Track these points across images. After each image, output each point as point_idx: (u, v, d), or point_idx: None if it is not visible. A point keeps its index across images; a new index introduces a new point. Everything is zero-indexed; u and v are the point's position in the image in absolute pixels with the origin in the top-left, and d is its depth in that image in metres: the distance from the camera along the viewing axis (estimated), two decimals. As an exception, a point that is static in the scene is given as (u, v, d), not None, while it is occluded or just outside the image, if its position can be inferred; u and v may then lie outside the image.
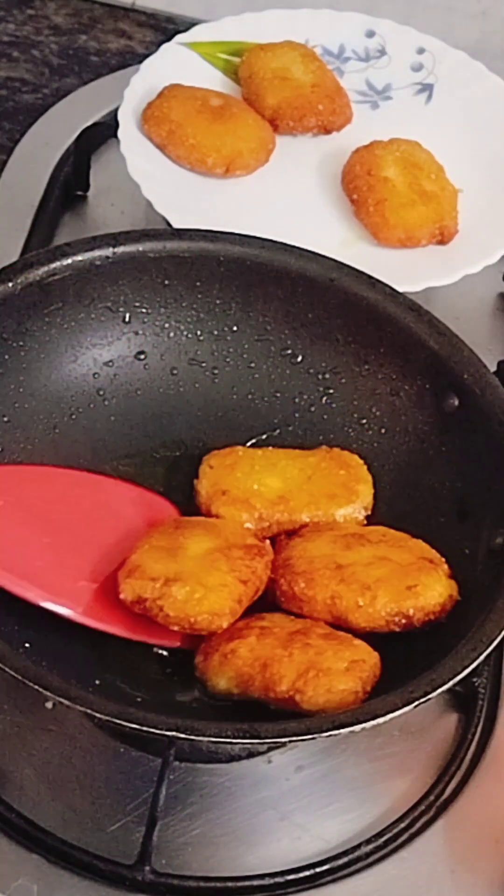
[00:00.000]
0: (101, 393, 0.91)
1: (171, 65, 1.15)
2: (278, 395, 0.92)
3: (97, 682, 0.79)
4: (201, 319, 0.92)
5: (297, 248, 0.91)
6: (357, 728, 0.70)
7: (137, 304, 0.91)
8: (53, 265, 0.87)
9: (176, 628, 0.78)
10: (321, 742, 0.84)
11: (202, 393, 0.92)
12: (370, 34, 1.21)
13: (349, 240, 1.09)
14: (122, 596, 0.79)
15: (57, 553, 0.82)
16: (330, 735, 0.70)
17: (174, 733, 0.70)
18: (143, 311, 0.91)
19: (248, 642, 0.77)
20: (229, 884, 0.79)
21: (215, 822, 0.81)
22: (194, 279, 0.91)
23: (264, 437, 0.91)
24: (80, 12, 1.33)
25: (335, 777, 0.84)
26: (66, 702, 0.70)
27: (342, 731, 0.70)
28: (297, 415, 0.92)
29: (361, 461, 0.88)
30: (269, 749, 0.84)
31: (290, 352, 0.92)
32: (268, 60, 1.16)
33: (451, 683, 0.73)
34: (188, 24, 1.20)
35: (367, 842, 0.81)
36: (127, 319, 0.91)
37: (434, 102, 1.19)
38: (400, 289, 0.91)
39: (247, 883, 0.79)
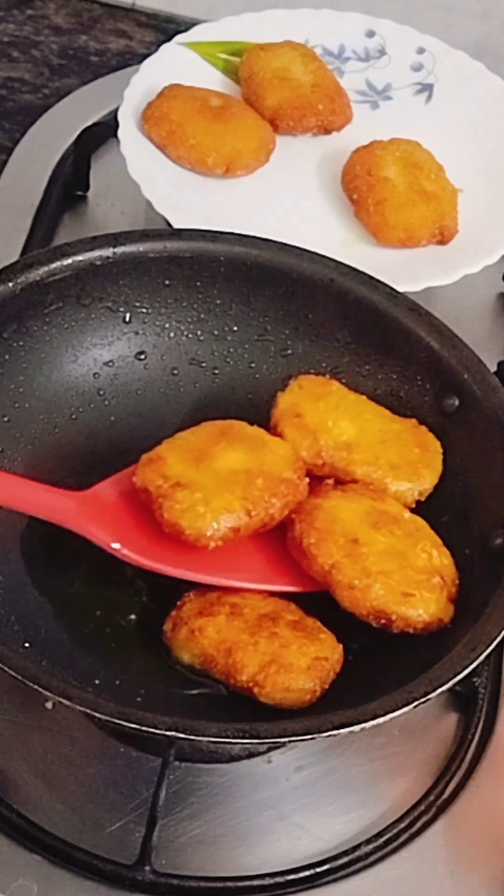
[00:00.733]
0: (101, 393, 0.91)
1: (171, 65, 1.15)
2: (279, 395, 0.92)
3: (97, 682, 0.79)
4: (201, 319, 0.92)
5: (297, 248, 0.91)
6: (357, 728, 0.70)
7: (138, 304, 0.91)
8: (53, 265, 0.87)
9: (166, 531, 0.78)
10: (321, 742, 0.84)
11: (202, 393, 0.92)
12: (370, 34, 1.21)
13: (349, 240, 1.09)
14: (134, 479, 0.80)
15: None
16: (330, 735, 0.70)
17: (174, 733, 0.70)
18: (144, 311, 0.92)
19: (216, 622, 0.78)
20: (229, 884, 0.79)
21: (215, 822, 0.81)
22: (194, 279, 0.91)
23: (264, 437, 0.91)
24: (80, 12, 1.33)
25: (335, 777, 0.84)
26: (66, 702, 0.70)
27: (342, 731, 0.70)
28: (297, 415, 0.92)
29: (441, 450, 0.87)
30: (269, 749, 0.84)
31: (290, 352, 0.92)
32: (268, 60, 1.16)
33: (451, 683, 0.73)
34: (188, 24, 1.20)
35: (367, 842, 0.81)
36: (127, 319, 0.91)
37: (434, 102, 1.19)
38: (400, 289, 0.91)
39: (247, 883, 0.79)
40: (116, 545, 0.81)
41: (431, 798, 0.84)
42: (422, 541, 0.81)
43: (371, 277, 0.91)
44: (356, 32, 1.21)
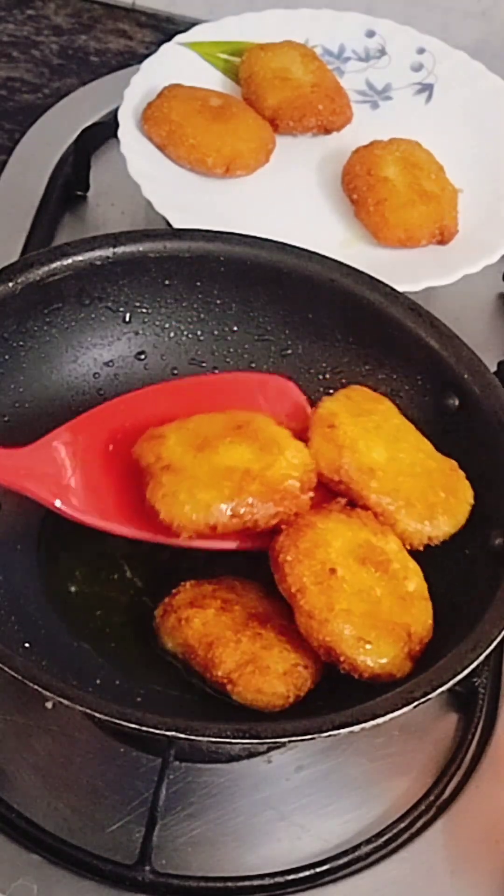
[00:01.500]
0: (102, 393, 0.91)
1: (171, 65, 1.15)
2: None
3: (97, 681, 0.79)
4: (202, 319, 0.92)
5: (297, 248, 0.91)
6: (357, 728, 0.70)
7: (138, 304, 0.91)
8: (53, 265, 0.87)
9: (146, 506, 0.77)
10: (321, 742, 0.84)
11: (202, 393, 0.93)
12: (370, 34, 1.21)
13: (349, 240, 1.09)
14: (133, 448, 0.79)
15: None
16: (330, 735, 0.70)
17: (174, 733, 0.70)
18: (144, 311, 0.92)
19: (204, 615, 0.78)
20: (229, 884, 0.79)
21: (215, 822, 0.81)
22: (194, 279, 0.91)
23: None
24: (80, 12, 1.33)
25: (335, 777, 0.84)
26: (66, 702, 0.70)
27: (342, 731, 0.70)
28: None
29: (471, 501, 0.82)
30: (269, 749, 0.84)
31: (290, 352, 0.92)
32: (268, 60, 1.16)
33: (451, 683, 0.73)
34: (188, 24, 1.20)
35: (367, 842, 0.81)
36: (127, 319, 0.91)
37: (434, 102, 1.19)
38: (400, 289, 0.91)
39: (247, 883, 0.79)
40: (59, 503, 0.79)
41: (431, 798, 0.84)
42: (404, 590, 0.78)
43: (371, 277, 0.91)
44: (356, 32, 1.21)
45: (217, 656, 0.76)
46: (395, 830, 0.82)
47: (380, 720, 0.71)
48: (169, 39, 1.17)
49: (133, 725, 0.70)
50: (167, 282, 0.91)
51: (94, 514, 0.80)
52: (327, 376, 0.92)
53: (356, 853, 0.80)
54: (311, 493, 0.80)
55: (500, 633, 0.75)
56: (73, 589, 0.84)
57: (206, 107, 1.11)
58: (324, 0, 1.21)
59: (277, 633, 0.77)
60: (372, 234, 1.08)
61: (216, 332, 0.93)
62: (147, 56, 1.16)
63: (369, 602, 0.76)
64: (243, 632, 0.77)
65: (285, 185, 1.12)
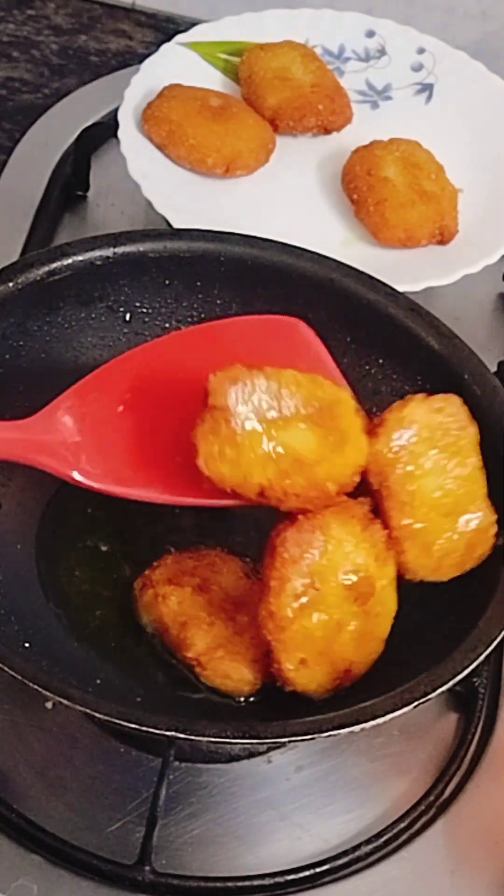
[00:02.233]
0: (102, 393, 0.91)
1: (171, 65, 1.15)
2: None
3: (97, 681, 0.79)
4: (202, 319, 0.92)
5: (297, 248, 0.91)
6: (357, 728, 0.70)
7: (138, 304, 0.91)
8: (54, 265, 0.87)
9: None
10: (321, 742, 0.84)
11: (202, 393, 0.92)
12: (370, 34, 1.21)
13: (349, 240, 1.09)
14: (210, 376, 0.73)
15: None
16: (330, 735, 0.70)
17: (174, 733, 0.70)
18: (144, 310, 0.91)
19: (182, 592, 0.78)
20: (229, 884, 0.79)
21: (215, 822, 0.81)
22: (195, 279, 0.91)
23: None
24: (80, 12, 1.33)
25: (335, 777, 0.84)
26: (66, 702, 0.70)
27: (342, 731, 0.70)
28: (297, 415, 0.92)
29: (481, 560, 0.79)
30: (269, 749, 0.84)
31: (290, 352, 0.92)
32: (268, 60, 1.16)
33: (451, 683, 0.73)
34: (188, 24, 1.20)
35: (367, 842, 0.81)
36: (127, 319, 0.91)
37: (434, 102, 1.19)
38: (400, 289, 0.91)
39: (247, 883, 0.79)
40: (77, 475, 0.76)
41: (431, 798, 0.84)
42: (368, 628, 0.77)
43: (371, 277, 0.91)
44: (356, 32, 1.21)
45: (189, 637, 0.77)
46: (395, 830, 0.82)
47: (380, 720, 0.71)
48: (169, 39, 1.18)
49: (133, 725, 0.70)
50: (167, 282, 0.91)
51: (111, 481, 0.77)
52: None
53: (356, 853, 0.81)
54: (344, 497, 0.77)
55: (500, 633, 0.75)
56: (72, 589, 0.84)
57: (206, 107, 1.11)
58: (324, 0, 1.22)
59: (251, 619, 0.77)
60: (372, 234, 1.08)
61: (216, 332, 0.93)
62: (147, 56, 1.16)
63: (329, 629, 0.75)
64: (218, 615, 0.78)
65: (285, 185, 1.12)
